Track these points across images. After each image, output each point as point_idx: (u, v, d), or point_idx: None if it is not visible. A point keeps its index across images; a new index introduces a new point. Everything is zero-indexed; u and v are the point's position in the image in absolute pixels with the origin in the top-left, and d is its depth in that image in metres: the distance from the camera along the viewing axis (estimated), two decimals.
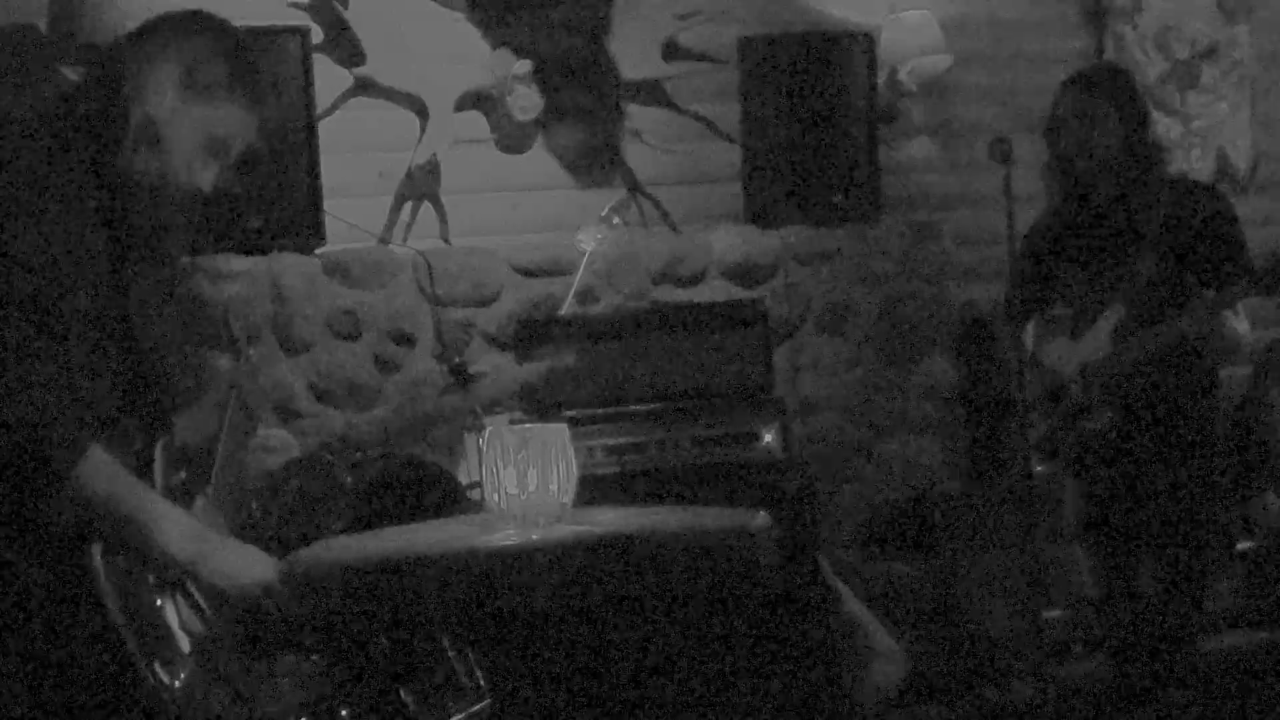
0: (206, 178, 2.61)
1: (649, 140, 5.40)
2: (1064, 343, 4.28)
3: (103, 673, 2.38)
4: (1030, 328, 4.39)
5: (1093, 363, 4.17)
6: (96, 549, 2.40)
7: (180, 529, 2.47)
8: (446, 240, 5.19)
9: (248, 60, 2.67)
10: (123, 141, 2.54)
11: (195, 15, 2.68)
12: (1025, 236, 4.35)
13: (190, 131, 2.58)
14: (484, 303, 5.10)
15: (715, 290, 5.34)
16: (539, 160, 5.30)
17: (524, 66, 5.14)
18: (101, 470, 2.39)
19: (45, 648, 2.39)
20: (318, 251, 4.87)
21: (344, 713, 2.78)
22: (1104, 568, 4.28)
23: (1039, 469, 4.26)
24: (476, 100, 5.18)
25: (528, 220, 5.26)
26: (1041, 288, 4.32)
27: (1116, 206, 4.16)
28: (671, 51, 5.43)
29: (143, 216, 2.57)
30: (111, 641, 2.37)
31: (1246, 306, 4.27)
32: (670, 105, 5.46)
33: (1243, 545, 5.32)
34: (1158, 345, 4.09)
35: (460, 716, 2.91)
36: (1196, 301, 4.10)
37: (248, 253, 4.76)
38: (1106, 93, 4.15)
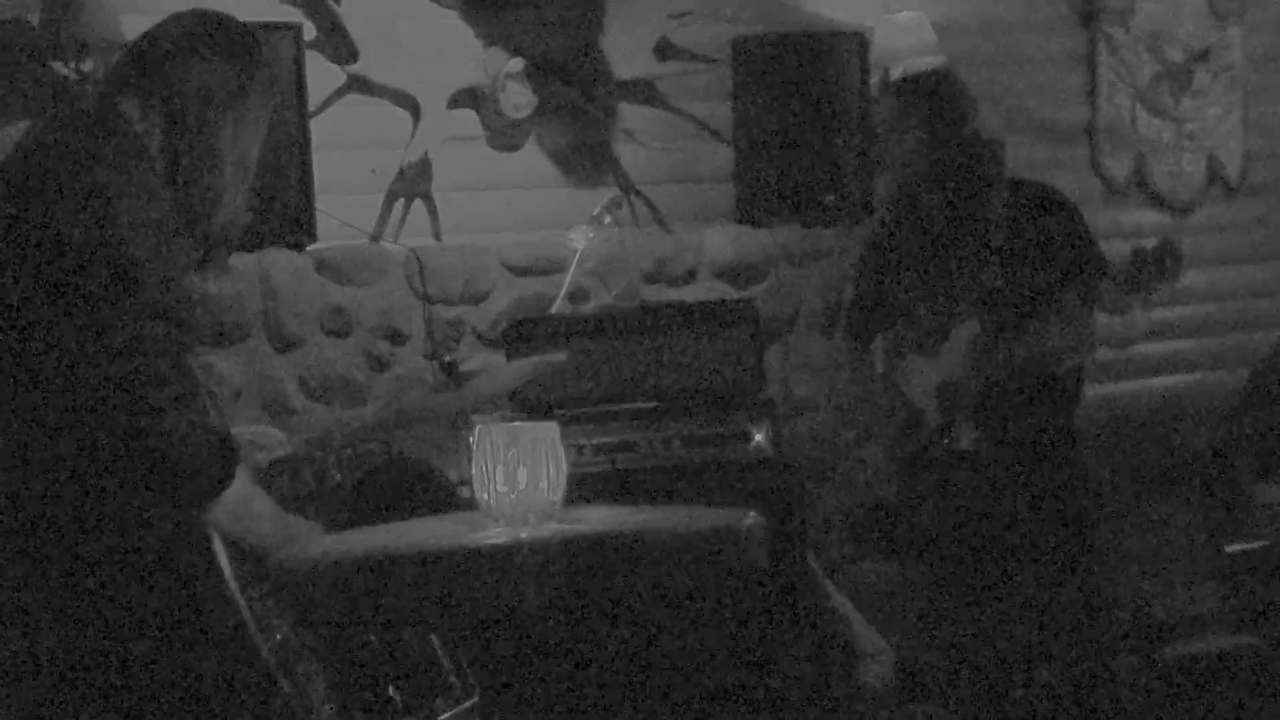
0: (249, 180, 2.67)
1: (641, 139, 5.40)
2: (917, 360, 4.10)
3: (223, 649, 2.48)
4: (879, 347, 4.24)
5: (951, 380, 4.00)
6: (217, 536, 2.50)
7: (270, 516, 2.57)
8: (438, 238, 5.19)
9: (267, 58, 2.70)
10: (187, 155, 2.57)
11: (213, 16, 2.67)
12: (862, 250, 4.27)
13: (243, 140, 2.62)
14: (475, 300, 5.10)
15: (706, 290, 5.35)
16: (531, 158, 5.30)
17: (516, 64, 5.13)
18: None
19: (169, 621, 2.48)
20: (309, 248, 4.87)
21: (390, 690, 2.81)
22: (955, 593, 4.12)
23: (894, 492, 4.19)
24: (469, 98, 5.18)
25: (519, 218, 5.26)
26: (884, 302, 4.17)
27: (946, 212, 4.01)
28: (664, 51, 5.43)
29: (207, 231, 2.63)
30: (230, 617, 2.47)
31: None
32: (662, 104, 5.46)
33: (1233, 547, 5.32)
34: (1023, 356, 3.93)
35: (448, 714, 2.91)
36: (1060, 307, 3.91)
37: (238, 249, 4.75)
38: (917, 97, 4.02)
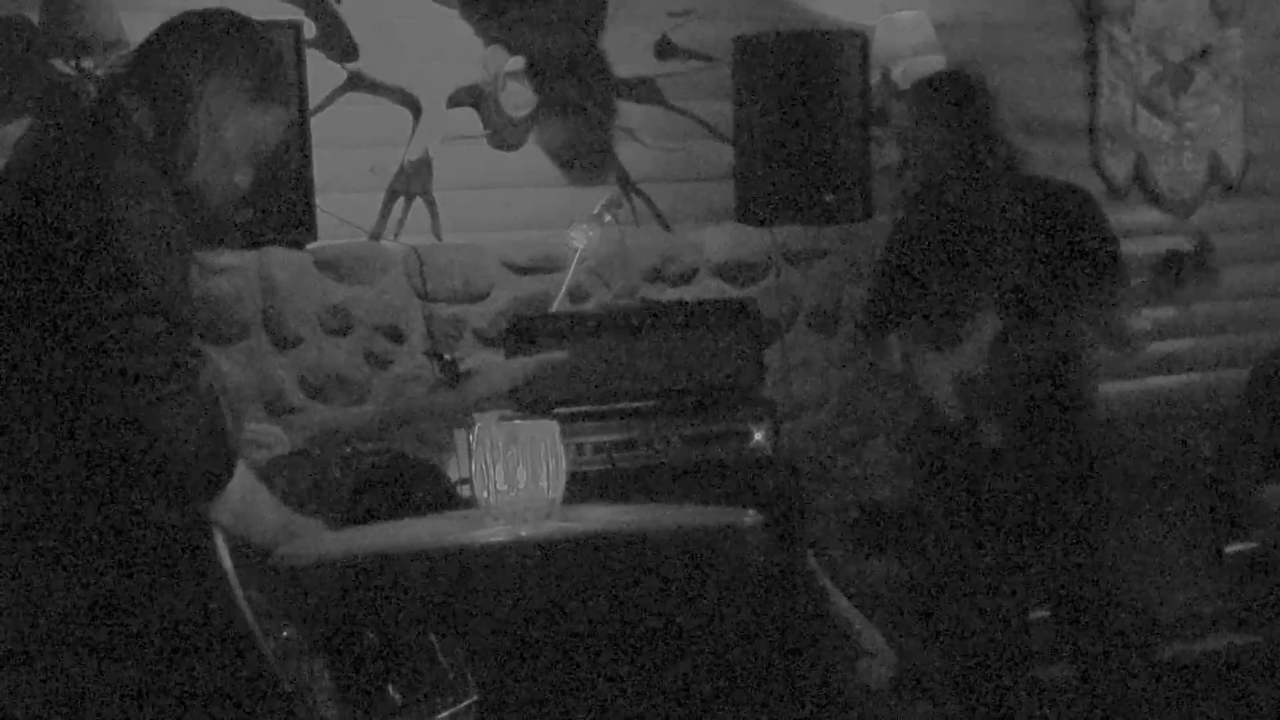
0: (245, 178, 2.68)
1: (641, 138, 5.40)
2: (934, 357, 4.09)
3: (225, 647, 2.48)
4: (894, 343, 4.23)
5: (971, 375, 4.01)
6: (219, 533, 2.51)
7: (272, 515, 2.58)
8: (438, 236, 5.19)
9: (274, 57, 2.72)
10: (182, 150, 2.58)
11: (223, 15, 2.69)
12: (886, 244, 4.28)
13: (241, 138, 2.63)
14: (475, 299, 5.10)
15: (706, 288, 5.35)
16: (531, 157, 5.30)
17: (517, 63, 5.13)
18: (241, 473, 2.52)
19: (170, 619, 2.48)
20: (309, 246, 4.87)
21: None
22: (959, 590, 4.14)
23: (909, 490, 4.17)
24: (469, 96, 5.18)
25: (519, 217, 5.25)
26: (903, 298, 4.18)
27: (966, 209, 4.03)
28: (665, 49, 5.43)
29: (203, 223, 2.63)
30: (232, 615, 2.47)
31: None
32: (663, 103, 5.46)
33: (1234, 547, 5.32)
34: (1043, 351, 3.95)
35: (447, 713, 2.91)
36: (1081, 305, 3.93)
37: (238, 246, 4.75)
38: (940, 96, 4.03)
